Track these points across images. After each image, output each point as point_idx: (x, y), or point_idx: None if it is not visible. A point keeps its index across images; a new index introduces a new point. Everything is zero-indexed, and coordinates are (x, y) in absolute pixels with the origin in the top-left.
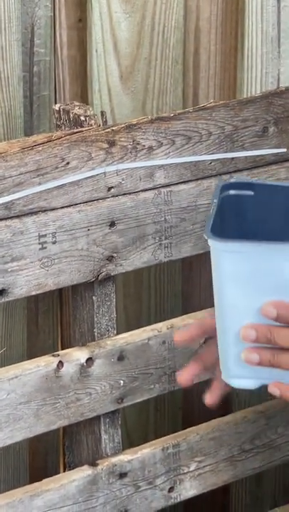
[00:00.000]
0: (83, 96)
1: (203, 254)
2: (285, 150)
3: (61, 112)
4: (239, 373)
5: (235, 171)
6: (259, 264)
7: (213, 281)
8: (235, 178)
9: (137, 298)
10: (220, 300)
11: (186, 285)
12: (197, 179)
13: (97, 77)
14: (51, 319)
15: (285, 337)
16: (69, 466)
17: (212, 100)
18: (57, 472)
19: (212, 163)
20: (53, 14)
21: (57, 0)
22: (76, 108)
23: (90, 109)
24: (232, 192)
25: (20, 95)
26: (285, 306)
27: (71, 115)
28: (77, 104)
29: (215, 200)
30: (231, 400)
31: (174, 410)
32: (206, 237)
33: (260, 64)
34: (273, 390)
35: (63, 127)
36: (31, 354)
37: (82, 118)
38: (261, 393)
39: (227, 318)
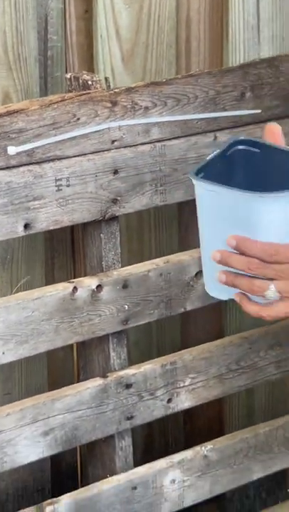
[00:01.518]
0: None
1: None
2: (259, 111)
3: (72, 79)
4: (215, 287)
5: (218, 130)
6: (228, 204)
7: (197, 213)
8: (244, 136)
9: (139, 237)
10: (200, 229)
11: (182, 227)
12: (186, 135)
13: (102, 59)
14: (65, 256)
15: (238, 261)
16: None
17: (198, 69)
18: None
19: (198, 122)
20: (63, 6)
21: None
22: (84, 75)
23: (97, 75)
24: (240, 147)
25: (36, 75)
26: (242, 239)
27: (80, 81)
28: (85, 72)
29: (216, 151)
30: (223, 328)
31: (174, 334)
32: (190, 176)
33: (243, 49)
34: (236, 298)
35: (74, 92)
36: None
37: (90, 82)
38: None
39: (205, 243)
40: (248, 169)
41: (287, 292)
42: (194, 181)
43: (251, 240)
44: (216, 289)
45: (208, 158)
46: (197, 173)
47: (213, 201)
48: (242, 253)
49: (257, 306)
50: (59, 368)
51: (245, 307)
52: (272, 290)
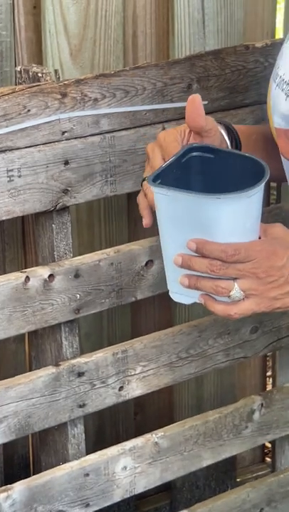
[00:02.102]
0: None
1: None
2: (206, 103)
3: (22, 72)
4: (178, 291)
5: (166, 121)
6: (186, 208)
7: (157, 219)
8: (197, 143)
9: (89, 231)
10: (161, 233)
11: (131, 220)
12: (135, 127)
13: (50, 54)
14: (15, 249)
15: (200, 264)
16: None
17: (146, 61)
18: None
19: (147, 114)
20: (12, 1)
21: None
22: (34, 68)
23: (46, 68)
24: (195, 153)
25: None
26: (202, 242)
27: (30, 73)
28: (35, 65)
29: (172, 157)
30: (172, 318)
31: (124, 325)
32: (148, 183)
33: (189, 43)
34: (200, 299)
35: (24, 84)
36: None
37: (40, 75)
38: (195, 311)
39: (166, 248)
40: (204, 174)
41: (250, 290)
42: (152, 188)
43: (211, 242)
44: (179, 292)
45: (163, 165)
46: (154, 180)
47: (171, 206)
48: (203, 256)
49: (223, 305)
50: (10, 360)
51: (211, 307)
52: (236, 289)
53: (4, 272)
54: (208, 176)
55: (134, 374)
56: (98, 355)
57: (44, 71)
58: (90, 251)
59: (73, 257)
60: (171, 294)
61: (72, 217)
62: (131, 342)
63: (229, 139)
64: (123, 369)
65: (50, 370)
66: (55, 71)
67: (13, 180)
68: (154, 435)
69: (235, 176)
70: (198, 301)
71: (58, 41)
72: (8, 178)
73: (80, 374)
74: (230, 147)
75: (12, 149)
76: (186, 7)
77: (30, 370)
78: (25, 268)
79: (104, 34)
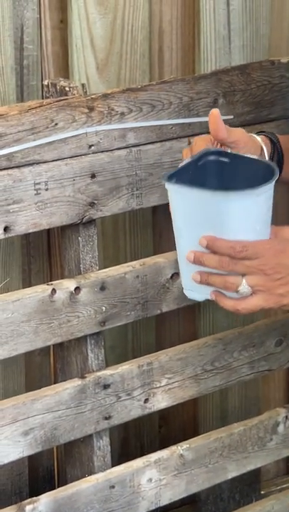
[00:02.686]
0: None
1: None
2: (232, 117)
3: (49, 86)
4: (191, 288)
5: (192, 135)
6: (198, 205)
7: (171, 218)
8: (214, 148)
9: (114, 244)
10: (175, 232)
11: (156, 233)
12: (161, 141)
13: (77, 68)
14: (41, 261)
15: (210, 260)
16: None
17: (173, 76)
18: None
19: (173, 128)
20: (39, 16)
21: (42, 4)
22: (62, 82)
23: (73, 82)
24: (211, 157)
25: (13, 83)
26: (212, 238)
27: (58, 87)
28: (62, 79)
29: (188, 159)
30: (197, 331)
31: (149, 338)
32: (162, 180)
33: (214, 58)
34: (212, 296)
35: (51, 98)
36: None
37: (67, 89)
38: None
39: (179, 246)
40: (219, 178)
41: (258, 286)
42: (167, 185)
43: (221, 239)
44: (193, 289)
45: (179, 165)
46: (169, 179)
47: (184, 204)
48: (213, 252)
49: (232, 300)
50: (36, 373)
51: (221, 303)
52: (244, 285)
53: (30, 285)
54: (222, 180)
55: (160, 386)
56: (124, 368)
57: (71, 85)
58: (115, 264)
59: (99, 269)
60: (185, 292)
61: (98, 231)
62: (156, 354)
63: (269, 149)
64: (148, 381)
65: (76, 382)
66: (82, 85)
67: (40, 193)
68: (179, 447)
69: (248, 179)
70: (209, 298)
71: (85, 55)
72: (36, 191)
73: (106, 386)
74: (267, 157)
75: (39, 162)
76: (212, 22)
77: (55, 382)
78: (51, 281)
79: (130, 48)
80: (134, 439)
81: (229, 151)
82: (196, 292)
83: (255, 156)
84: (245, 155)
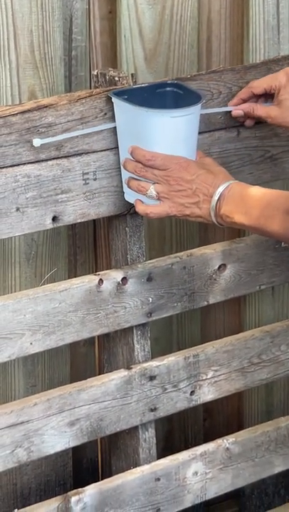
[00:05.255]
0: None
1: None
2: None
3: (99, 76)
4: (126, 191)
5: (240, 125)
6: (131, 118)
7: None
8: (170, 80)
9: (160, 235)
10: (118, 141)
11: (202, 225)
12: (210, 131)
13: (125, 58)
14: (87, 252)
15: (130, 165)
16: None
17: (221, 65)
18: None
19: (222, 118)
20: (88, 7)
21: None
22: (111, 71)
23: (123, 71)
24: (168, 88)
25: (61, 74)
26: (135, 147)
27: (107, 77)
28: (111, 68)
29: (146, 84)
30: (242, 324)
31: (194, 330)
32: (109, 94)
33: (263, 48)
34: (134, 200)
35: (101, 88)
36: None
37: (117, 78)
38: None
39: (120, 154)
40: (174, 105)
41: (162, 193)
42: (113, 98)
43: (140, 148)
44: (127, 193)
45: (134, 86)
46: (119, 94)
47: (123, 117)
48: (134, 159)
49: (144, 205)
50: (81, 363)
51: (137, 207)
52: (151, 190)
53: (75, 276)
54: (176, 107)
55: (206, 378)
56: (170, 359)
57: (121, 75)
58: (160, 255)
59: (145, 260)
60: (125, 196)
61: (144, 222)
62: (202, 346)
63: None
64: (194, 373)
65: (122, 373)
66: (132, 75)
67: (88, 183)
68: (225, 441)
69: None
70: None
71: (133, 46)
72: (84, 181)
73: (152, 378)
74: None
75: (88, 152)
76: (261, 13)
77: (100, 373)
78: (96, 271)
79: (178, 39)
80: (179, 432)
81: (181, 83)
82: (129, 195)
83: (200, 92)
84: (192, 88)
